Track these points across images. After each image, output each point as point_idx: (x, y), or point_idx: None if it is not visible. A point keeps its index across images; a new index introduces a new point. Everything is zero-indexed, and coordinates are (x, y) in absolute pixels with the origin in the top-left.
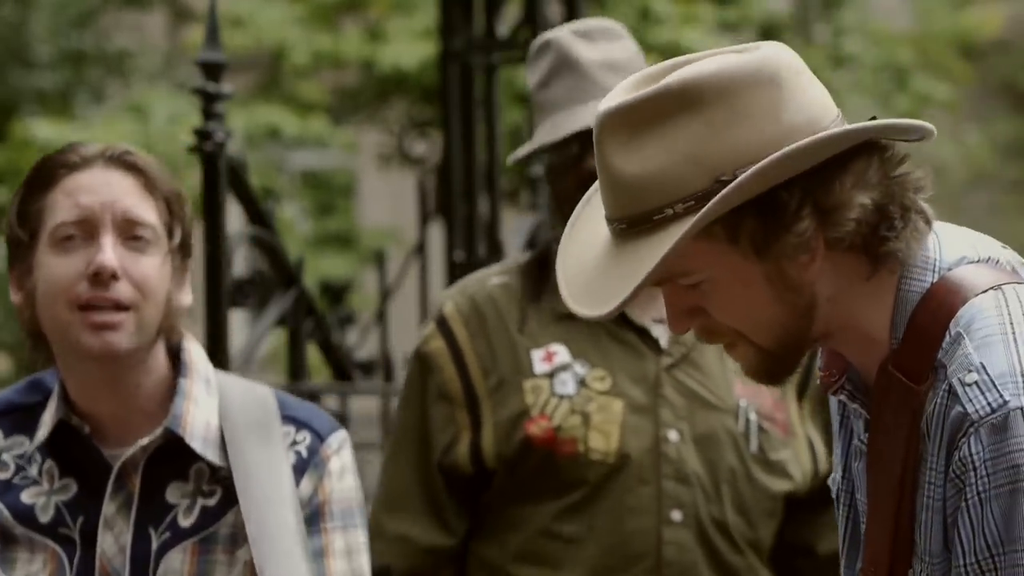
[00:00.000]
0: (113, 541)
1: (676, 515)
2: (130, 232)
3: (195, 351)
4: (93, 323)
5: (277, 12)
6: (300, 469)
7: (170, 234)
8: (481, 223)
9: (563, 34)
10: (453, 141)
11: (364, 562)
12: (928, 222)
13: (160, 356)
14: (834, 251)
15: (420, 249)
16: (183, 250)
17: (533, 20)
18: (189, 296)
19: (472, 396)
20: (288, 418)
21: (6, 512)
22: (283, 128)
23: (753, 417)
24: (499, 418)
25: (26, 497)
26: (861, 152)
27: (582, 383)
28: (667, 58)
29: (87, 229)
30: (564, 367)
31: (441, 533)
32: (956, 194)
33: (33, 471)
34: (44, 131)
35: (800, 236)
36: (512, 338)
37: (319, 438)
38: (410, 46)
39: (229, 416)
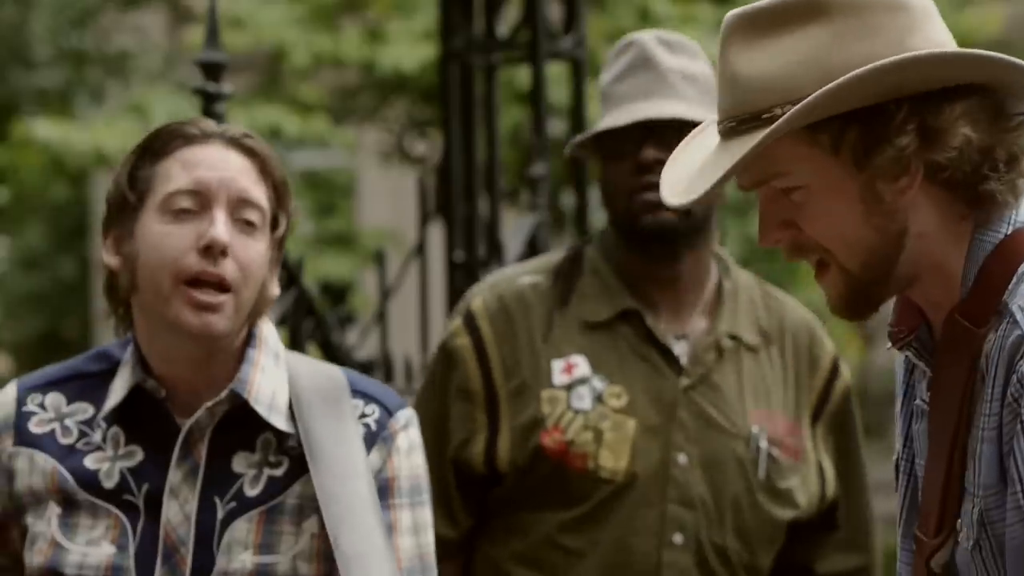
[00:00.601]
0: (179, 509)
1: (678, 538)
2: (242, 213)
3: (267, 328)
4: (197, 302)
5: (277, 12)
6: (369, 441)
7: (275, 222)
8: (481, 223)
9: (647, 37)
10: (453, 141)
11: (430, 539)
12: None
13: (240, 338)
14: (932, 184)
15: (420, 249)
16: (280, 243)
17: (533, 20)
18: (277, 289)
19: (492, 397)
20: (357, 392)
21: (69, 477)
22: (284, 128)
23: (764, 444)
24: (515, 423)
25: (90, 462)
26: (975, 91)
27: (598, 399)
28: None
29: (201, 202)
30: (583, 380)
31: (446, 524)
32: None
33: (97, 437)
34: (44, 130)
35: (900, 151)
36: (535, 344)
37: (388, 412)
38: (410, 48)
39: (298, 388)
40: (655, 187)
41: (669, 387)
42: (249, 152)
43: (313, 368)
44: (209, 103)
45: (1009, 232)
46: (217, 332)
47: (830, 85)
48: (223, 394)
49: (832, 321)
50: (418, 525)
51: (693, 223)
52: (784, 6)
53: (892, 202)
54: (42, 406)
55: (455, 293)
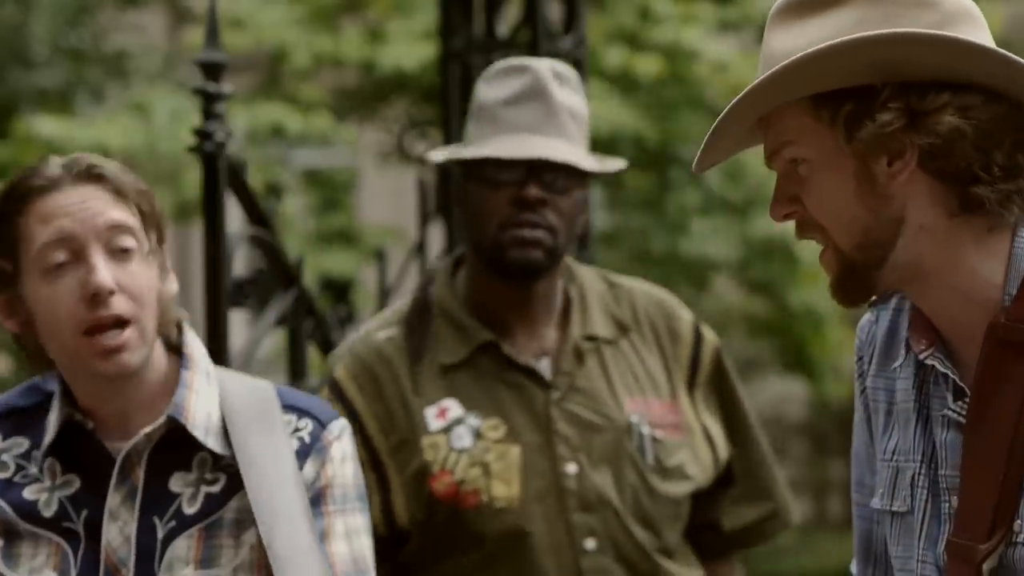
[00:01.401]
0: (118, 532)
1: (590, 543)
2: (115, 244)
3: (194, 343)
4: (102, 349)
5: (277, 13)
6: (303, 454)
7: (147, 235)
8: None
9: (542, 65)
10: (453, 141)
11: (365, 544)
12: None
13: (159, 352)
14: (926, 173)
15: (420, 249)
16: (159, 243)
17: (533, 20)
18: (175, 283)
19: (375, 458)
20: (289, 407)
21: (8, 509)
22: (286, 126)
23: (646, 431)
24: (404, 477)
25: (28, 494)
26: (982, 92)
27: (478, 435)
28: (668, 58)
29: (73, 251)
30: (458, 421)
31: None
32: None
33: (33, 469)
34: (47, 128)
35: (882, 127)
36: (405, 396)
37: (321, 425)
38: (410, 47)
39: (230, 406)
40: (531, 224)
41: (540, 405)
42: (100, 180)
43: (244, 385)
44: (209, 103)
45: None
46: (132, 368)
47: (801, 54)
48: (160, 420)
49: (831, 322)
50: (351, 530)
51: (554, 263)
52: None
53: (886, 185)
54: None
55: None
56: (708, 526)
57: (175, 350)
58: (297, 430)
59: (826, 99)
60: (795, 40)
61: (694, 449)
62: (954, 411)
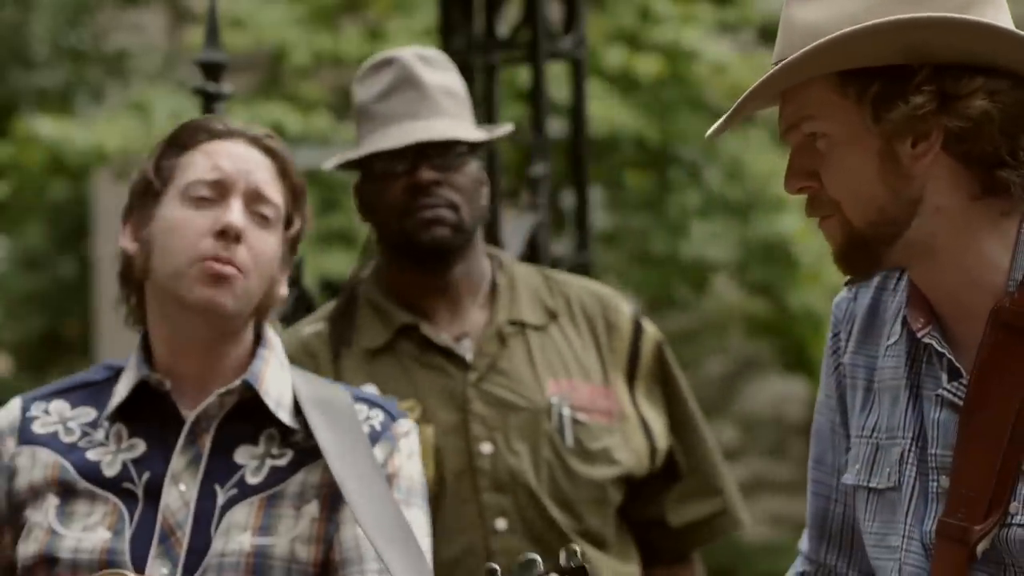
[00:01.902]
0: (178, 496)
1: (501, 524)
2: (257, 206)
3: (275, 336)
4: (211, 271)
5: (277, 12)
6: (373, 439)
7: (289, 222)
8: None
9: (407, 54)
10: None
11: (424, 540)
12: None
13: (248, 334)
14: (950, 156)
15: None
16: (293, 245)
17: (533, 20)
18: (286, 289)
19: None
20: (360, 399)
21: (70, 467)
22: (286, 126)
23: (566, 412)
24: None
25: (91, 455)
26: (1009, 77)
27: None
28: (668, 58)
29: (220, 191)
30: None
31: None
32: None
33: (99, 435)
34: (46, 128)
35: (914, 110)
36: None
37: (391, 417)
38: (411, 46)
39: (302, 391)
40: (431, 206)
41: (458, 385)
42: (269, 152)
43: (315, 379)
44: (209, 103)
45: None
46: (224, 308)
47: (845, 30)
48: (236, 383)
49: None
50: (413, 523)
51: (463, 237)
52: None
53: (909, 166)
54: (46, 412)
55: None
56: (654, 523)
57: (257, 336)
58: (368, 418)
59: (853, 76)
60: (819, 12)
61: (625, 435)
62: (948, 391)
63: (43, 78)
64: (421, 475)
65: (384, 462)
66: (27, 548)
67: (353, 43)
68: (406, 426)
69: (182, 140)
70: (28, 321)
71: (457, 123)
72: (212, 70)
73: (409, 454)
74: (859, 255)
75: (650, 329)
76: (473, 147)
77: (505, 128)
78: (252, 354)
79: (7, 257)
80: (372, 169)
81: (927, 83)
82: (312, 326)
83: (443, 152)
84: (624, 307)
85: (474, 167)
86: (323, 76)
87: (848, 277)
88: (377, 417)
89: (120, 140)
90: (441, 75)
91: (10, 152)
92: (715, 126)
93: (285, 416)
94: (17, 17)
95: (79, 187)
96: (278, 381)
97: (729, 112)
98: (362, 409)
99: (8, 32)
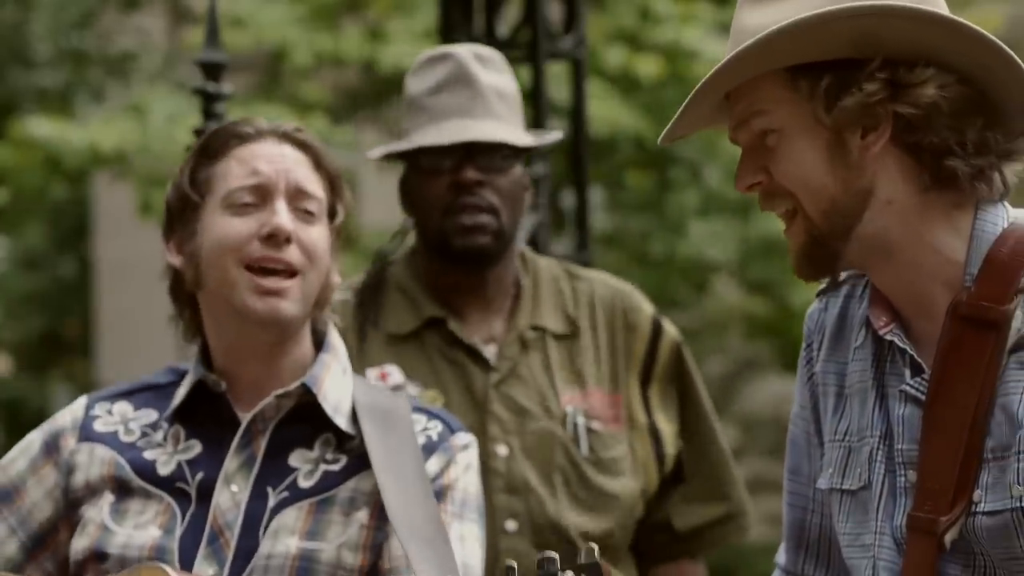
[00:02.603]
0: (230, 497)
1: (511, 525)
2: (300, 202)
3: (337, 340)
4: (262, 288)
5: (278, 12)
6: (429, 449)
7: (332, 212)
8: None
9: (464, 51)
10: None
11: (477, 553)
12: (1005, 185)
13: (306, 333)
14: (898, 147)
15: None
16: (338, 233)
17: (533, 20)
18: (338, 276)
19: None
20: (419, 409)
21: (126, 465)
22: None
23: (581, 421)
24: None
25: (148, 454)
26: (956, 73)
27: None
28: (668, 58)
29: (261, 195)
30: (397, 387)
31: None
32: None
33: (158, 436)
34: (43, 129)
35: (867, 97)
36: (349, 357)
37: (450, 430)
38: (411, 47)
39: (361, 399)
40: (471, 209)
41: (479, 385)
42: (302, 146)
43: (376, 388)
44: (209, 103)
45: (1007, 225)
46: (285, 316)
47: (796, 18)
48: (294, 385)
49: None
50: (465, 536)
51: (502, 244)
52: None
53: (858, 158)
54: (109, 412)
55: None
56: (659, 526)
57: (318, 344)
58: (426, 429)
59: (804, 71)
60: (768, 16)
61: (633, 444)
62: (912, 386)
63: (43, 78)
64: (479, 489)
65: (440, 473)
66: (79, 543)
67: (353, 43)
68: (465, 439)
69: (213, 149)
70: (28, 321)
71: (506, 126)
72: (212, 70)
73: (466, 467)
74: (816, 252)
75: (670, 330)
76: (519, 151)
77: (554, 135)
78: (313, 356)
79: (7, 257)
80: (418, 163)
81: (880, 71)
82: (340, 293)
83: (490, 154)
84: (645, 307)
85: (518, 172)
86: (323, 76)
87: (810, 282)
88: (435, 428)
89: (116, 141)
90: (496, 76)
91: (8, 154)
92: (666, 130)
93: (342, 422)
94: (17, 17)
95: (79, 187)
96: (338, 387)
97: (679, 112)
98: (420, 419)
99: (8, 32)
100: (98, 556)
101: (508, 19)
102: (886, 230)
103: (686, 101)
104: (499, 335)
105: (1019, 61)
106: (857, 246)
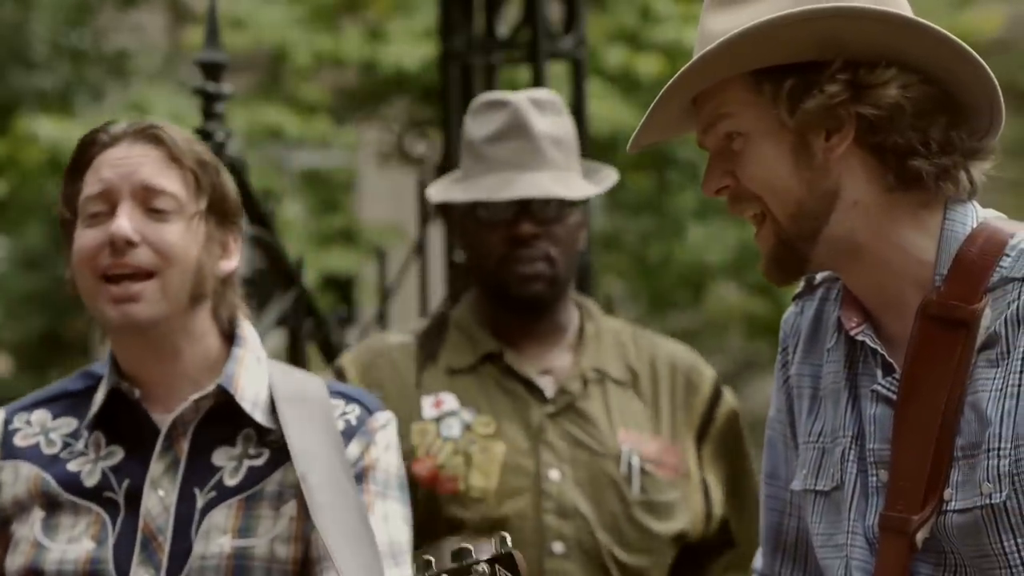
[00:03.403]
0: (158, 501)
1: (558, 547)
2: (151, 202)
3: (249, 329)
4: (113, 295)
5: (278, 12)
6: (348, 435)
7: (196, 202)
8: None
9: (520, 99)
10: (453, 141)
11: (402, 530)
12: (972, 184)
13: (205, 324)
14: (862, 148)
15: (420, 249)
16: (218, 216)
17: (533, 20)
18: (232, 263)
19: None
20: (337, 393)
21: (52, 480)
22: (284, 128)
23: (635, 461)
24: None
25: (72, 466)
26: (919, 73)
27: (467, 427)
28: (668, 57)
29: (109, 201)
30: (452, 413)
31: None
32: None
33: (80, 445)
34: (45, 128)
35: (830, 99)
36: (406, 388)
37: (368, 411)
38: (411, 47)
39: (278, 388)
40: (529, 260)
41: (535, 415)
42: (155, 140)
43: (292, 373)
44: (209, 103)
45: (975, 225)
46: (141, 320)
47: (759, 20)
48: (210, 388)
49: None
50: (389, 514)
51: (558, 290)
52: None
53: (823, 159)
54: (28, 423)
55: (455, 293)
56: None
57: (229, 337)
58: (344, 413)
59: (767, 74)
60: (732, 21)
61: (687, 493)
62: (883, 386)
63: (43, 78)
64: (399, 466)
65: (360, 456)
66: (14, 562)
67: (353, 43)
68: (383, 419)
69: (78, 164)
70: (28, 321)
71: (562, 175)
72: (212, 70)
73: (386, 446)
74: (785, 256)
75: (728, 398)
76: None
77: (611, 179)
78: (222, 352)
79: (7, 257)
80: (474, 212)
81: (841, 72)
82: (399, 338)
83: (546, 205)
84: (707, 372)
85: (575, 218)
86: (323, 76)
87: (781, 286)
88: (353, 412)
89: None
90: (551, 120)
91: (8, 150)
92: (633, 136)
93: (261, 417)
94: (17, 17)
95: None
96: (254, 380)
97: (644, 118)
98: (338, 404)
99: (8, 32)
100: (34, 573)
101: (508, 19)
102: (853, 231)
103: (652, 105)
104: (555, 369)
105: (982, 62)
106: (825, 248)
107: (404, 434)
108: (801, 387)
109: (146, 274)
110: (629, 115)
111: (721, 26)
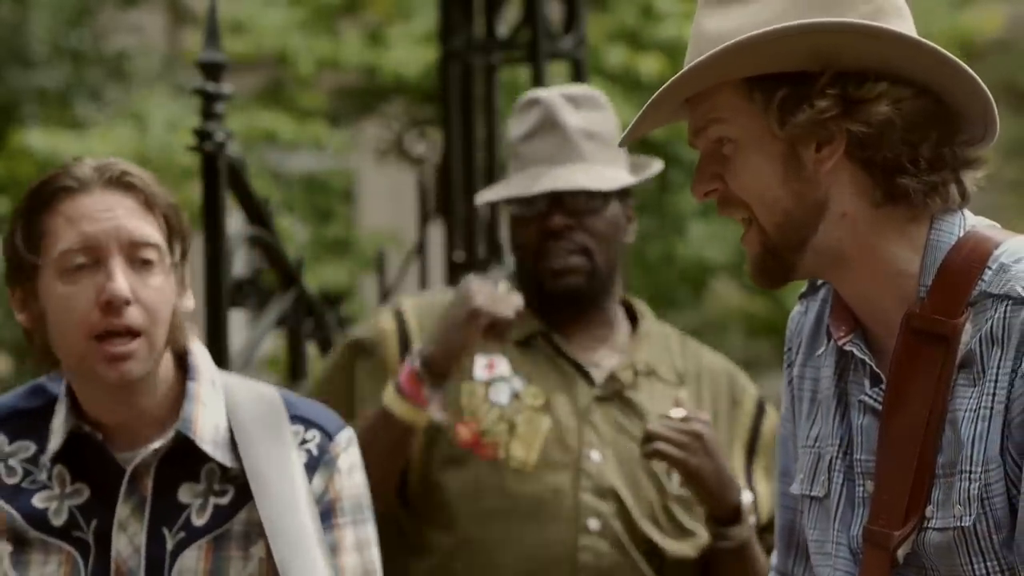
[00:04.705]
0: (128, 542)
1: (593, 524)
2: (136, 256)
3: (200, 353)
4: (109, 355)
5: (278, 15)
6: (311, 467)
7: (171, 249)
8: (481, 223)
9: (553, 95)
10: (453, 141)
11: (375, 555)
12: (964, 196)
13: (168, 363)
14: (852, 162)
15: (420, 249)
16: (183, 257)
17: (533, 20)
18: (191, 300)
19: None
20: (296, 417)
21: (18, 516)
22: (280, 133)
23: None
24: None
25: (38, 501)
26: (913, 87)
27: (516, 396)
28: (669, 55)
29: (94, 256)
30: (503, 378)
31: None
32: None
33: (43, 476)
34: (40, 141)
35: (819, 114)
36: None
37: (328, 436)
38: (411, 52)
39: (237, 416)
40: (564, 253)
41: (583, 395)
42: (130, 189)
43: (250, 393)
44: (209, 103)
45: (962, 234)
46: (135, 377)
47: (753, 33)
48: (169, 435)
49: None
50: (361, 542)
51: (598, 283)
52: None
53: (812, 171)
54: None
55: None
56: None
57: (180, 359)
58: (304, 442)
59: (761, 82)
60: (730, 22)
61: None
62: (870, 397)
63: (43, 79)
64: (364, 485)
65: (324, 490)
66: None
67: (353, 48)
68: (344, 440)
69: (38, 204)
70: None
71: (595, 167)
72: (212, 70)
73: (349, 470)
74: (771, 263)
75: (772, 413)
76: (614, 191)
77: (655, 168)
78: (179, 384)
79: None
80: (511, 209)
81: (831, 87)
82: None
83: (579, 198)
84: (750, 387)
85: (614, 210)
86: (323, 77)
87: (769, 290)
88: (314, 440)
89: (114, 151)
90: (585, 115)
91: (6, 168)
92: (624, 134)
93: (223, 456)
94: (17, 17)
95: None
96: (212, 415)
97: (637, 117)
98: (299, 431)
99: (8, 32)
100: None
101: (508, 19)
102: (840, 242)
103: (644, 107)
104: (604, 362)
105: (975, 76)
106: (812, 257)
107: (452, 390)
108: (802, 389)
109: (134, 333)
110: (631, 114)
111: (716, 27)
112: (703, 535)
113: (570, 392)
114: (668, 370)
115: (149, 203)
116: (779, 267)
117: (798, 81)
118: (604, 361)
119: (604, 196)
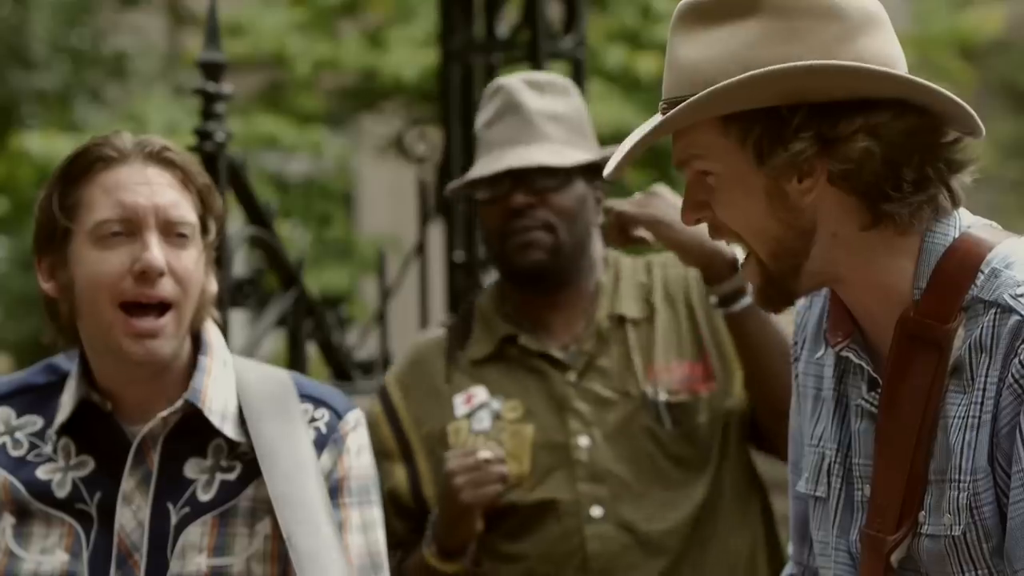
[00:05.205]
0: (131, 516)
1: (596, 511)
2: (172, 230)
3: (214, 332)
4: (137, 330)
5: (278, 17)
6: (320, 444)
7: (204, 228)
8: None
9: (514, 81)
10: (453, 141)
11: (380, 537)
12: (955, 202)
13: (186, 342)
14: (839, 188)
15: (420, 249)
16: (217, 238)
17: (533, 21)
18: (215, 284)
19: (406, 447)
20: (306, 396)
21: (21, 488)
22: (280, 138)
23: (663, 397)
24: (430, 461)
25: (41, 473)
26: (891, 107)
27: (496, 417)
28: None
29: (130, 227)
30: (482, 406)
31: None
32: None
33: (48, 448)
34: (37, 144)
35: (795, 156)
36: (439, 388)
37: (337, 415)
38: (410, 54)
39: (247, 394)
40: (526, 229)
41: (558, 386)
42: (169, 164)
43: (260, 373)
44: (209, 103)
45: (957, 236)
46: (161, 356)
47: (717, 86)
48: (178, 404)
49: None
50: (367, 523)
51: (563, 259)
52: (725, 0)
53: (797, 200)
54: None
55: (455, 293)
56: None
57: (195, 338)
58: (314, 420)
59: (735, 120)
60: (702, 51)
61: (727, 387)
62: (867, 401)
63: (43, 79)
64: (371, 467)
65: (333, 467)
66: None
67: (353, 50)
68: (352, 420)
69: (76, 173)
70: (28, 321)
71: (555, 147)
72: (212, 70)
73: (358, 450)
74: (772, 291)
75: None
76: (578, 169)
77: (611, 152)
78: (191, 359)
79: (7, 257)
80: (477, 194)
81: (805, 128)
82: (432, 335)
83: (538, 176)
84: (690, 272)
85: (578, 189)
86: (323, 78)
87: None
88: (323, 418)
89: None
90: (549, 100)
91: (5, 170)
92: (609, 166)
93: (231, 430)
94: (17, 17)
95: None
96: (222, 389)
97: (623, 155)
98: (308, 409)
99: (8, 32)
100: None
101: (508, 19)
102: (834, 263)
103: (623, 151)
104: (579, 335)
105: (954, 97)
106: (809, 279)
107: (441, 437)
108: (806, 386)
109: (165, 306)
110: (630, 115)
111: (692, 55)
112: (715, 427)
113: (547, 387)
114: (636, 307)
115: (186, 180)
116: (780, 294)
117: (772, 119)
118: (578, 332)
119: (567, 173)
